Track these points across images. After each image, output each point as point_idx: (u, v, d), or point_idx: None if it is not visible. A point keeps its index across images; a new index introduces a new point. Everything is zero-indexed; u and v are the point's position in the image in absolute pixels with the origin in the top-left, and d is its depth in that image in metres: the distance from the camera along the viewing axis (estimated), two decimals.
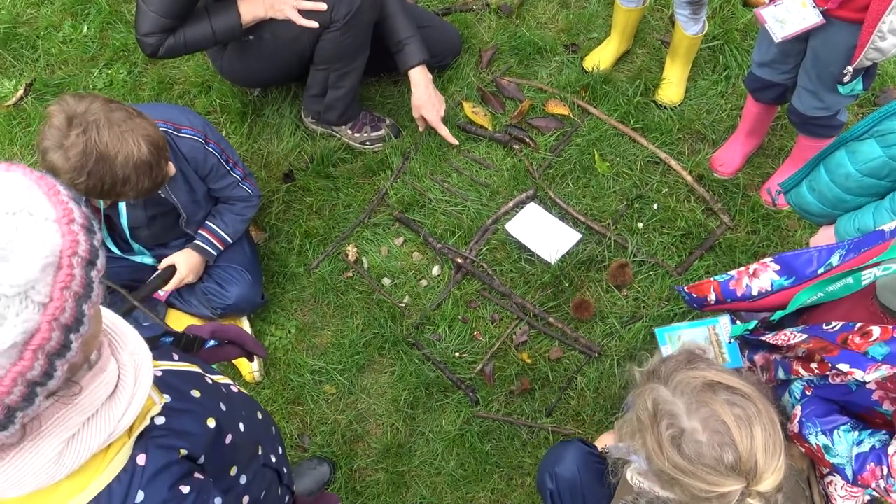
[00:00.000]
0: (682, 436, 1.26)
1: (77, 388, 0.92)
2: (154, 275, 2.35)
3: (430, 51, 2.86)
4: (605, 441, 2.00)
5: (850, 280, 1.31)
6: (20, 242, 0.80)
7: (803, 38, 2.06)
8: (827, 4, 1.93)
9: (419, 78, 2.68)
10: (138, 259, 2.42)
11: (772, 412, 1.29)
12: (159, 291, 2.40)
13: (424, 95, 2.69)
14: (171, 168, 2.05)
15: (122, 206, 2.20)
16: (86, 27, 3.21)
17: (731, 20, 2.99)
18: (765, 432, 1.25)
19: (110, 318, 1.04)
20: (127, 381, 0.98)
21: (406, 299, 2.59)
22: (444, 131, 2.75)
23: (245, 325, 2.56)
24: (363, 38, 2.58)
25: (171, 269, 2.35)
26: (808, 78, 2.19)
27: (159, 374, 1.12)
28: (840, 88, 2.09)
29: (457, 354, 2.49)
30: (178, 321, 2.46)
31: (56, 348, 0.84)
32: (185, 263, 2.36)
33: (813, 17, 1.98)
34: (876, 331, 1.27)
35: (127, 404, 0.97)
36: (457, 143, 2.80)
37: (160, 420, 1.05)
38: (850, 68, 2.00)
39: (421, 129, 2.82)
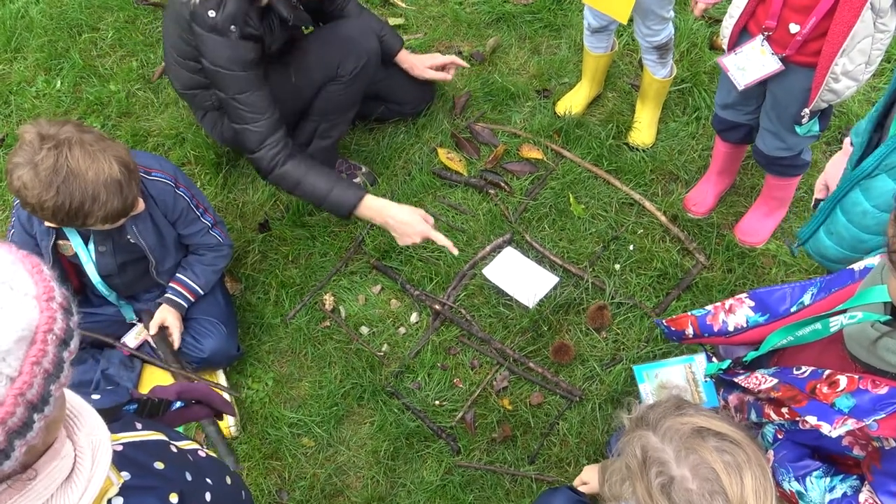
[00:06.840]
0: (671, 484, 1.24)
1: (32, 474, 0.88)
2: (155, 340, 2.37)
3: (404, 99, 2.90)
4: (588, 474, 1.97)
5: (818, 326, 1.31)
6: None
7: (762, 82, 2.11)
8: (785, 52, 1.98)
9: (407, 56, 2.84)
10: (111, 310, 2.39)
11: (761, 458, 1.27)
12: (128, 344, 2.41)
13: (420, 58, 2.87)
14: (141, 203, 2.05)
15: (91, 253, 2.18)
16: (59, 82, 3.21)
17: (698, 63, 3.05)
18: (755, 479, 1.23)
19: (68, 397, 1.00)
20: (84, 463, 0.94)
21: (384, 348, 2.57)
22: (452, 69, 2.92)
23: (221, 378, 2.51)
24: (363, 90, 2.62)
25: (165, 330, 2.38)
26: (769, 120, 2.23)
27: (120, 448, 1.08)
28: (797, 129, 2.14)
29: (437, 403, 2.45)
30: (153, 376, 2.42)
31: (17, 426, 0.80)
32: (171, 317, 2.36)
33: (772, 64, 2.03)
34: (843, 381, 1.27)
35: (83, 489, 0.93)
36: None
37: (118, 502, 1.01)
38: (807, 111, 2.04)
39: (444, 76, 2.90)
